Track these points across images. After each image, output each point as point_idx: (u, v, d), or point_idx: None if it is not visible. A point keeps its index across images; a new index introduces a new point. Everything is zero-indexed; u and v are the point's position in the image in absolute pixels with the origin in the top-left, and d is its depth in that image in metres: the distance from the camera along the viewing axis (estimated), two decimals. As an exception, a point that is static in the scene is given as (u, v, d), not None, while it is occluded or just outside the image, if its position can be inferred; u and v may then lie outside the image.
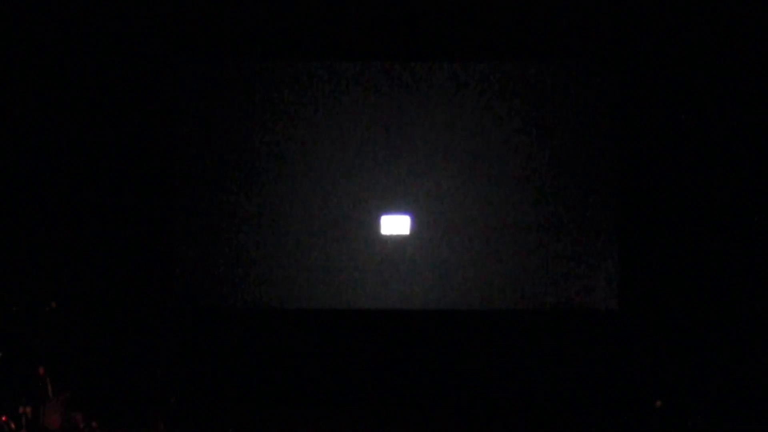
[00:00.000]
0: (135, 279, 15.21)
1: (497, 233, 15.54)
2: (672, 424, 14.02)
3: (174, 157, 15.55)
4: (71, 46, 14.93)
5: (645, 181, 15.29)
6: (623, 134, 15.44)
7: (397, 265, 15.58)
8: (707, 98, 15.03)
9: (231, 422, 14.33)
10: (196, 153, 15.59)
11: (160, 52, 15.29)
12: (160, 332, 15.31)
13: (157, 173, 15.39)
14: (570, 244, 15.50)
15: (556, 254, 15.49)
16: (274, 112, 15.63)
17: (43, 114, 14.96)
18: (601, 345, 15.33)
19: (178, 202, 15.56)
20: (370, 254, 15.58)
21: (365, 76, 15.63)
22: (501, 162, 15.59)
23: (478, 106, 15.62)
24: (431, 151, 15.62)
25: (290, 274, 15.56)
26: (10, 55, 14.72)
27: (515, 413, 15.01)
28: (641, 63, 15.26)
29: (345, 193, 15.61)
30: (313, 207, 15.61)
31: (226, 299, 15.54)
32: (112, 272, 15.16)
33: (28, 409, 13.25)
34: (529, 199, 15.55)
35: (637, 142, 15.35)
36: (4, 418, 12.64)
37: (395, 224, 15.59)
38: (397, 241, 15.57)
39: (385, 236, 15.56)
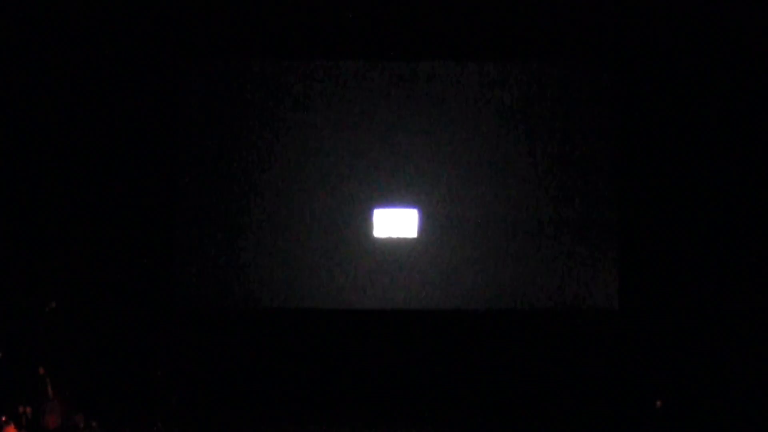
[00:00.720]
0: (135, 279, 15.20)
1: (497, 233, 15.54)
2: (672, 424, 14.02)
3: (174, 157, 15.56)
4: (72, 46, 14.91)
5: (645, 180, 15.29)
6: (624, 134, 15.45)
7: (398, 265, 15.59)
8: (707, 98, 15.03)
9: (231, 422, 14.33)
10: (196, 153, 15.59)
11: (161, 53, 15.30)
12: (160, 332, 15.31)
13: (157, 173, 15.39)
14: (570, 244, 15.50)
15: (556, 254, 15.49)
16: (274, 111, 15.63)
17: (44, 114, 14.94)
18: (601, 345, 15.33)
19: (178, 202, 15.56)
20: (370, 254, 15.60)
21: (365, 76, 15.65)
22: (501, 163, 15.58)
23: (478, 106, 15.62)
24: (431, 152, 15.62)
25: (291, 274, 15.57)
26: (12, 54, 14.71)
27: (515, 413, 15.01)
28: (641, 63, 15.26)
29: (345, 192, 15.61)
30: (314, 206, 15.61)
31: (226, 299, 15.54)
32: (112, 272, 15.14)
33: (28, 409, 13.25)
34: (529, 199, 15.55)
35: (638, 142, 15.36)
36: (4, 418, 12.63)
37: (395, 224, 15.61)
38: (399, 242, 15.59)
39: (384, 238, 15.58)
